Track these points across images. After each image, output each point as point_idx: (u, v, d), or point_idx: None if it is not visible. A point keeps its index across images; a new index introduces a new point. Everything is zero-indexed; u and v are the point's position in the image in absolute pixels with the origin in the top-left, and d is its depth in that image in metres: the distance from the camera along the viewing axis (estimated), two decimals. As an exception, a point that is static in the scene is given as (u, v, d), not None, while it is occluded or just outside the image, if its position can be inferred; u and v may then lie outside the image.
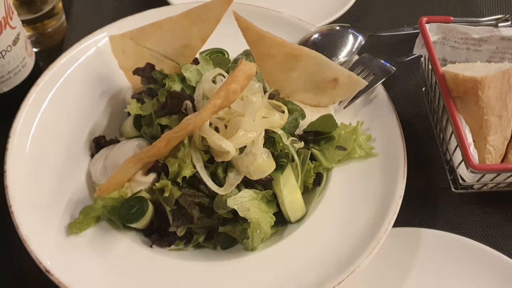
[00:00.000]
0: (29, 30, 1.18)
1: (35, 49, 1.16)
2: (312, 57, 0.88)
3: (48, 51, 1.21)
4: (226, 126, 0.85)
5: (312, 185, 0.92)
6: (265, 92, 0.90)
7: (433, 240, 0.92)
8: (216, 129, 0.85)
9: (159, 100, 0.90)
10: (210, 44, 0.99)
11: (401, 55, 1.14)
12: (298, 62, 0.88)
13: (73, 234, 0.83)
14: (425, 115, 1.10)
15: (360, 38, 1.09)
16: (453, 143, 0.92)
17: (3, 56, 0.97)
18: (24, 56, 1.03)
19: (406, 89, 1.17)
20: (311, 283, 0.79)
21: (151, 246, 0.85)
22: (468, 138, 0.89)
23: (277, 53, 0.86)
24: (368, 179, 0.91)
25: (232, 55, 1.03)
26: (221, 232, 0.86)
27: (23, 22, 1.09)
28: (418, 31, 1.01)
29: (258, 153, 0.84)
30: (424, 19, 0.98)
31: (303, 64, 0.89)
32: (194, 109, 0.88)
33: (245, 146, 0.84)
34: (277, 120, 0.87)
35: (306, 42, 1.06)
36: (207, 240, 0.88)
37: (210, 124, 0.85)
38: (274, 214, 0.87)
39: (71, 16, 1.28)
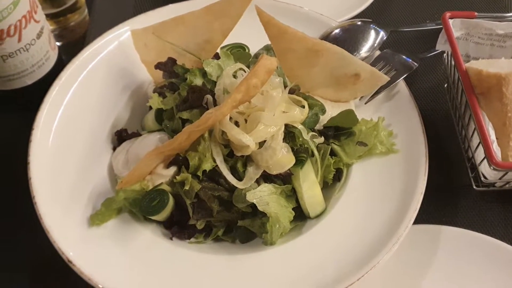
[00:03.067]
0: (52, 24, 1.20)
1: (58, 43, 1.17)
2: (333, 52, 0.88)
3: (71, 45, 1.23)
4: (246, 121, 0.86)
5: (332, 181, 0.91)
6: (285, 87, 0.90)
7: (454, 238, 0.91)
8: (236, 124, 0.85)
9: (181, 94, 0.90)
10: (231, 39, 0.99)
11: (423, 51, 1.13)
12: (320, 57, 0.88)
13: (94, 225, 0.84)
14: (446, 112, 1.09)
15: (382, 33, 1.08)
16: (476, 140, 0.90)
17: (27, 50, 0.99)
18: (47, 49, 1.05)
19: (427, 85, 1.15)
20: (330, 279, 0.79)
21: (171, 239, 0.86)
22: (491, 135, 0.87)
23: (298, 48, 0.86)
24: (389, 175, 0.90)
25: (253, 50, 1.03)
26: (240, 226, 0.87)
27: (47, 16, 1.10)
28: (441, 26, 1.00)
29: (278, 148, 0.84)
30: (448, 14, 0.97)
31: (324, 59, 0.88)
32: (215, 104, 0.88)
33: (264, 141, 0.84)
34: (297, 115, 0.87)
35: (327, 37, 1.06)
36: (226, 233, 0.89)
37: (230, 118, 0.85)
38: (293, 209, 0.87)
39: (93, 10, 1.29)
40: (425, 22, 1.21)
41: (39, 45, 1.01)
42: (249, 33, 0.99)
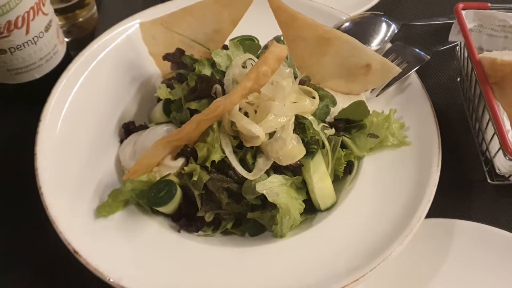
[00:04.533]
0: (60, 19, 1.19)
1: (66, 39, 1.16)
2: (345, 41, 0.86)
3: (79, 41, 1.21)
4: (255, 111, 0.84)
5: (343, 174, 0.90)
6: (295, 78, 0.88)
7: (468, 232, 0.89)
8: (246, 114, 0.84)
9: (189, 85, 0.89)
10: (240, 32, 0.98)
11: (435, 45, 1.11)
12: (330, 46, 0.86)
13: (101, 217, 0.83)
14: (459, 106, 1.07)
15: (393, 26, 1.07)
16: (490, 131, 0.89)
17: (35, 42, 0.98)
18: (55, 43, 1.04)
19: (439, 80, 1.14)
20: (341, 271, 0.77)
21: (179, 231, 0.84)
22: (506, 125, 0.85)
23: (309, 35, 0.85)
24: (401, 167, 0.88)
25: (262, 43, 1.02)
26: (249, 219, 0.85)
27: (55, 11, 1.09)
28: (453, 21, 0.98)
29: (288, 139, 0.83)
30: (460, 5, 0.96)
31: (335, 48, 0.87)
32: (224, 94, 0.87)
33: (274, 132, 0.83)
34: (308, 106, 0.85)
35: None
36: (235, 226, 0.87)
37: (240, 109, 0.84)
38: (303, 202, 0.85)
39: (102, 6, 1.29)
40: (437, 17, 1.19)
41: (47, 38, 1.01)
42: (258, 26, 0.99)
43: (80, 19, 1.22)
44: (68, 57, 1.08)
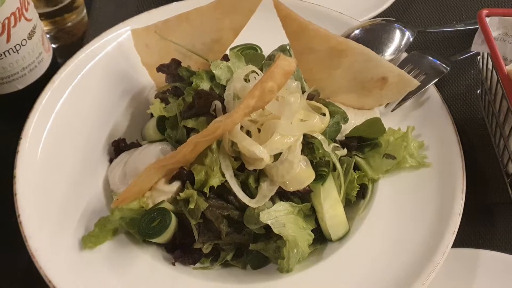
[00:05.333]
0: (47, 24, 1.11)
1: (53, 45, 1.09)
2: (359, 52, 0.78)
3: (67, 48, 1.14)
4: (259, 130, 0.76)
5: (356, 198, 0.82)
6: (303, 92, 0.81)
7: (493, 263, 0.81)
8: (248, 133, 0.77)
9: (185, 100, 0.81)
10: (241, 40, 0.90)
11: (453, 53, 1.02)
12: (343, 58, 0.78)
13: (87, 248, 0.75)
14: (479, 121, 0.99)
15: (408, 34, 0.98)
16: (519, 152, 0.80)
17: (17, 51, 0.90)
18: (40, 51, 0.96)
19: (457, 91, 1.06)
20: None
21: (173, 264, 0.76)
22: (538, 147, 0.77)
23: (320, 47, 0.76)
24: (420, 192, 0.80)
25: (266, 52, 0.94)
26: (251, 250, 0.77)
27: (41, 15, 1.02)
28: (471, 27, 0.91)
29: (296, 161, 0.75)
30: (484, 11, 0.87)
31: (348, 60, 0.79)
32: (224, 111, 0.79)
33: (280, 153, 0.75)
34: (317, 124, 0.78)
35: (347, 38, 0.95)
36: (236, 258, 0.79)
37: (242, 127, 0.76)
38: (312, 231, 0.77)
39: (92, 10, 1.21)
40: (454, 22, 1.10)
41: (30, 46, 0.93)
42: (262, 34, 0.92)
43: (69, 24, 1.14)
44: (55, 66, 1.00)
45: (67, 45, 1.15)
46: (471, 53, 1.00)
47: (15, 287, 0.82)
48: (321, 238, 0.80)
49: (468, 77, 1.07)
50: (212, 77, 0.83)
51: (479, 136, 0.97)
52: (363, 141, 0.85)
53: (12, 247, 0.80)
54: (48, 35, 1.06)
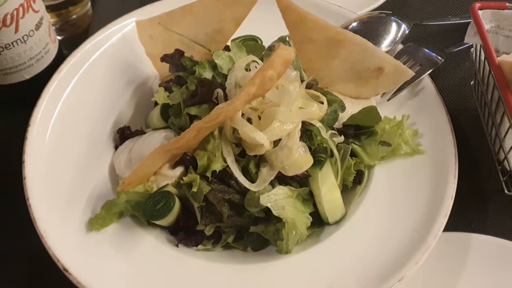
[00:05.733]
0: (53, 16, 1.14)
1: (58, 37, 1.11)
2: (356, 43, 0.81)
3: (72, 39, 1.16)
4: (259, 118, 0.79)
5: (352, 184, 0.84)
6: (302, 81, 0.83)
7: (484, 246, 0.84)
8: (249, 120, 0.79)
9: (189, 88, 0.84)
10: (242, 31, 0.93)
11: (448, 46, 1.05)
12: (341, 48, 0.81)
13: (94, 230, 0.78)
14: (472, 111, 1.02)
15: (404, 26, 1.01)
16: (509, 139, 0.83)
17: (24, 41, 0.93)
18: (47, 42, 0.99)
19: (451, 82, 1.08)
20: (351, 292, 0.72)
21: (177, 245, 0.79)
22: (528, 134, 0.80)
23: (318, 37, 0.79)
24: (414, 178, 0.83)
25: (266, 43, 0.96)
26: (252, 232, 0.80)
27: (47, 8, 1.04)
28: (466, 21, 0.93)
29: (294, 147, 0.77)
30: (477, 4, 0.90)
31: (346, 50, 0.81)
32: (226, 98, 0.81)
33: (280, 139, 0.78)
34: (315, 112, 0.80)
35: (345, 30, 0.98)
36: (237, 240, 0.82)
37: (243, 115, 0.79)
38: (310, 214, 0.80)
39: (97, 3, 1.23)
40: (449, 16, 1.13)
41: (37, 37, 0.95)
42: (261, 25, 0.94)
43: (74, 16, 1.17)
44: (60, 57, 1.03)
45: (72, 37, 1.17)
46: (465, 45, 1.03)
47: (24, 269, 0.85)
48: (318, 222, 0.82)
49: (462, 69, 1.10)
50: (214, 67, 0.86)
51: (472, 126, 1.00)
52: (359, 129, 0.87)
53: (22, 231, 0.82)
54: (53, 27, 1.09)
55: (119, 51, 0.97)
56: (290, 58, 0.71)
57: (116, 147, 0.89)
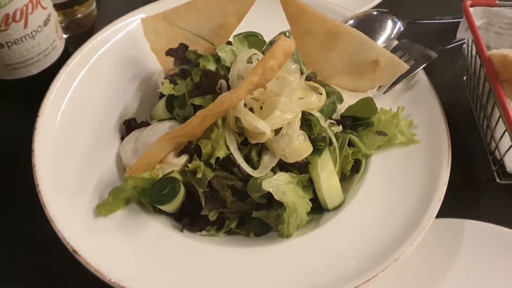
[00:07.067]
0: (58, 15, 1.16)
1: (64, 35, 1.14)
2: (353, 36, 0.84)
3: (77, 38, 1.19)
4: (261, 108, 0.82)
5: (350, 173, 0.88)
6: (301, 74, 0.86)
7: (477, 231, 0.87)
8: (251, 110, 0.81)
9: (193, 80, 0.87)
10: (244, 28, 0.96)
11: (441, 43, 1.09)
12: (339, 41, 0.84)
13: (101, 215, 0.80)
14: (465, 106, 1.05)
15: (399, 24, 1.05)
16: (500, 129, 0.87)
17: (33, 37, 0.96)
18: (54, 38, 1.02)
19: (445, 79, 1.12)
20: (350, 273, 0.75)
21: (181, 231, 0.81)
22: (518, 123, 0.84)
23: (317, 29, 0.82)
24: (410, 166, 0.86)
25: (266, 40, 0.99)
26: (254, 218, 0.83)
27: (53, 6, 1.07)
28: (458, 20, 0.97)
29: (295, 135, 0.81)
30: (468, 2, 0.94)
31: (343, 43, 0.85)
32: (229, 89, 0.84)
33: (281, 128, 0.81)
34: (315, 102, 0.83)
35: (342, 26, 1.02)
36: (240, 226, 0.84)
37: (245, 105, 0.81)
38: (309, 200, 0.83)
39: (101, 3, 1.26)
40: (443, 15, 1.17)
41: (45, 33, 0.98)
42: (262, 24, 0.97)
43: (79, 15, 1.20)
44: (67, 53, 1.06)
45: (76, 36, 1.20)
46: (457, 43, 1.06)
47: (35, 253, 0.87)
48: (318, 209, 0.85)
49: (455, 66, 1.14)
50: (217, 60, 0.89)
51: (465, 120, 1.03)
52: (357, 121, 0.91)
53: (33, 216, 0.85)
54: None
55: (124, 47, 1.00)
56: (290, 49, 0.74)
57: (122, 138, 0.92)
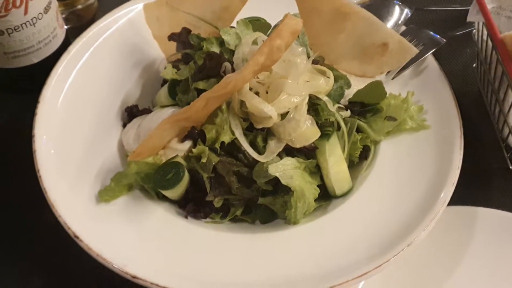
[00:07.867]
0: (59, 6, 1.14)
1: (65, 26, 1.12)
2: (362, 16, 0.82)
3: (77, 30, 1.16)
4: (267, 92, 0.80)
5: (358, 159, 0.85)
6: (308, 57, 0.84)
7: (489, 219, 0.84)
8: (257, 94, 0.79)
9: (197, 63, 0.84)
10: (247, 13, 0.94)
11: (450, 31, 1.07)
12: (347, 21, 0.82)
13: (103, 201, 0.78)
14: (475, 94, 1.03)
15: (406, 10, 1.03)
16: (513, 114, 0.84)
17: (34, 24, 0.94)
18: (55, 26, 1.00)
19: (453, 67, 1.09)
20: (360, 259, 0.72)
21: (186, 217, 0.79)
22: (532, 106, 0.81)
23: (325, 7, 0.80)
24: (421, 151, 0.84)
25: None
26: (260, 205, 0.80)
27: (54, -4, 1.05)
28: (466, 8, 0.94)
29: (302, 119, 0.78)
30: (479, -16, 0.92)
31: (351, 24, 0.83)
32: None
33: (287, 112, 0.78)
34: (322, 85, 0.81)
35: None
36: (245, 213, 0.82)
37: (250, 89, 0.79)
38: (317, 187, 0.80)
39: (102, -4, 1.25)
40: (451, 3, 1.15)
41: (46, 20, 0.96)
42: (267, 8, 0.95)
43: (79, 6, 1.18)
44: (67, 43, 1.03)
45: (77, 28, 1.17)
46: (466, 30, 1.04)
47: (36, 240, 0.86)
48: (325, 196, 0.82)
49: (464, 54, 1.11)
50: (221, 43, 0.87)
51: (475, 108, 1.01)
52: (365, 107, 0.88)
53: (34, 203, 0.82)
54: (60, 16, 1.10)
55: (126, 34, 0.98)
56: (298, 28, 0.72)
57: (124, 125, 0.90)
